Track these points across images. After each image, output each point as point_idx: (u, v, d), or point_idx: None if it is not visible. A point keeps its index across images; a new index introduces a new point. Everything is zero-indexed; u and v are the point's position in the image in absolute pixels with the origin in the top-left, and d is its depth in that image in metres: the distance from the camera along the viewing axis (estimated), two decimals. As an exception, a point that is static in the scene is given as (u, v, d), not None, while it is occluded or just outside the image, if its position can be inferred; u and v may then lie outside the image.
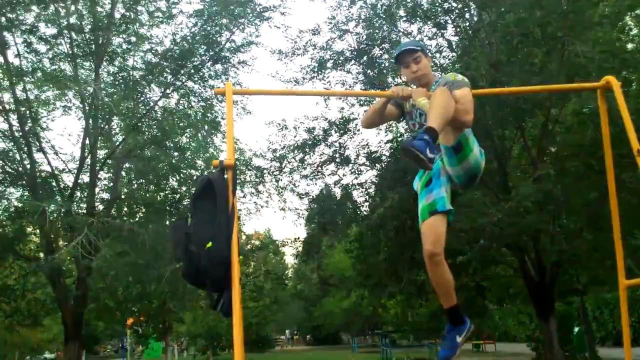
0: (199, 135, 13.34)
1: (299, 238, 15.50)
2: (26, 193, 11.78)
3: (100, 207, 12.40)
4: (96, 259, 9.24)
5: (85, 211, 11.18)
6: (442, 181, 2.83)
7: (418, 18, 10.61)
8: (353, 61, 11.45)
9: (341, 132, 12.60)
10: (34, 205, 9.45)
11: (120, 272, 10.27)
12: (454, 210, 2.78)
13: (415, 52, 2.98)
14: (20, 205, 11.51)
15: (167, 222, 11.65)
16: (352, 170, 13.12)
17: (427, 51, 3.16)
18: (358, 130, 12.79)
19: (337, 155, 12.68)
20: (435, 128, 2.50)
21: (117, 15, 12.03)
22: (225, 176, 2.58)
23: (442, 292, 2.81)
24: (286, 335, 52.10)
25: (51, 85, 10.38)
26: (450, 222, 2.78)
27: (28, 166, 11.71)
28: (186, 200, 12.18)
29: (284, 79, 12.09)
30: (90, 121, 11.70)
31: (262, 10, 11.70)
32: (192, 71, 12.00)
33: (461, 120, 2.68)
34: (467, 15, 10.79)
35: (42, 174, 12.12)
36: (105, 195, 13.26)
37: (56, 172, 12.30)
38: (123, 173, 13.36)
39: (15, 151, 11.73)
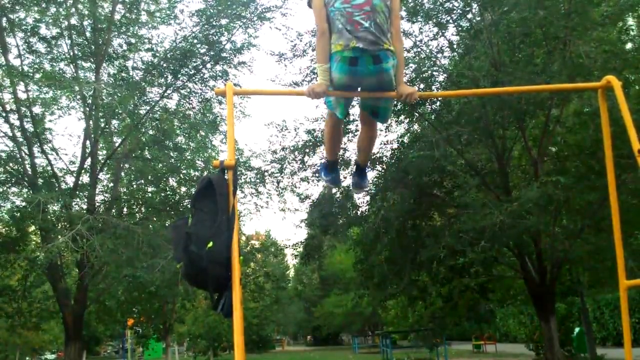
0: (199, 135, 13.33)
1: (302, 242, 15.41)
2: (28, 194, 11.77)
3: (102, 208, 12.39)
4: (87, 247, 9.16)
5: (86, 211, 11.16)
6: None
7: (419, 17, 10.57)
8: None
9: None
10: (33, 199, 9.44)
11: (113, 265, 10.22)
12: None
13: None
14: (22, 205, 11.48)
15: (167, 222, 11.61)
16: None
17: None
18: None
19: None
20: None
21: (118, 17, 12.03)
22: (226, 176, 2.58)
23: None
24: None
25: (53, 86, 10.36)
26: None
27: (29, 167, 11.71)
28: (186, 200, 12.16)
29: (284, 82, 12.05)
30: (91, 122, 11.70)
31: (263, 10, 11.66)
32: (193, 72, 11.99)
33: None
34: (469, 15, 10.77)
35: (44, 174, 12.11)
36: (106, 196, 13.25)
37: (57, 172, 12.30)
38: (123, 174, 13.36)
39: (17, 151, 11.73)
